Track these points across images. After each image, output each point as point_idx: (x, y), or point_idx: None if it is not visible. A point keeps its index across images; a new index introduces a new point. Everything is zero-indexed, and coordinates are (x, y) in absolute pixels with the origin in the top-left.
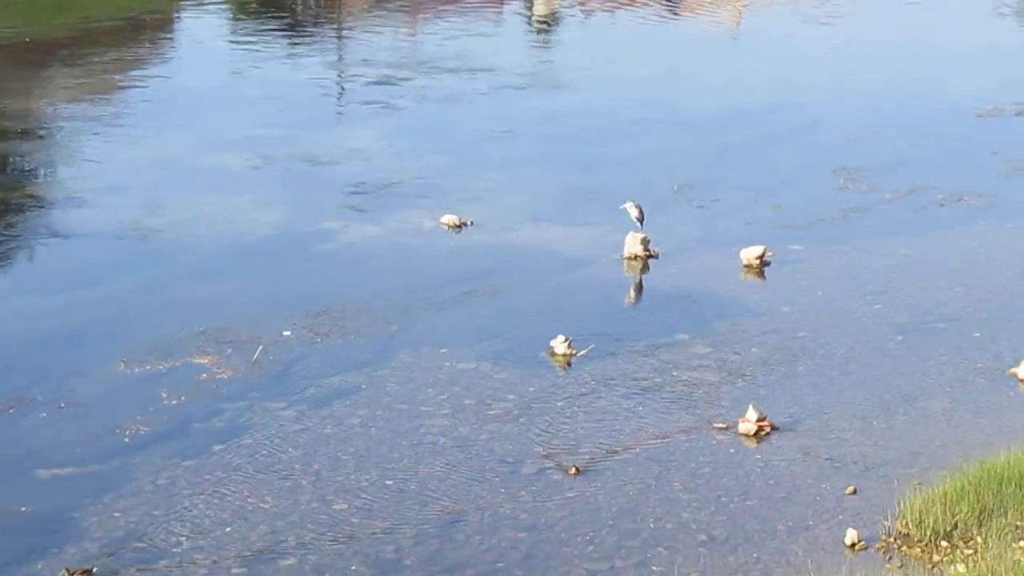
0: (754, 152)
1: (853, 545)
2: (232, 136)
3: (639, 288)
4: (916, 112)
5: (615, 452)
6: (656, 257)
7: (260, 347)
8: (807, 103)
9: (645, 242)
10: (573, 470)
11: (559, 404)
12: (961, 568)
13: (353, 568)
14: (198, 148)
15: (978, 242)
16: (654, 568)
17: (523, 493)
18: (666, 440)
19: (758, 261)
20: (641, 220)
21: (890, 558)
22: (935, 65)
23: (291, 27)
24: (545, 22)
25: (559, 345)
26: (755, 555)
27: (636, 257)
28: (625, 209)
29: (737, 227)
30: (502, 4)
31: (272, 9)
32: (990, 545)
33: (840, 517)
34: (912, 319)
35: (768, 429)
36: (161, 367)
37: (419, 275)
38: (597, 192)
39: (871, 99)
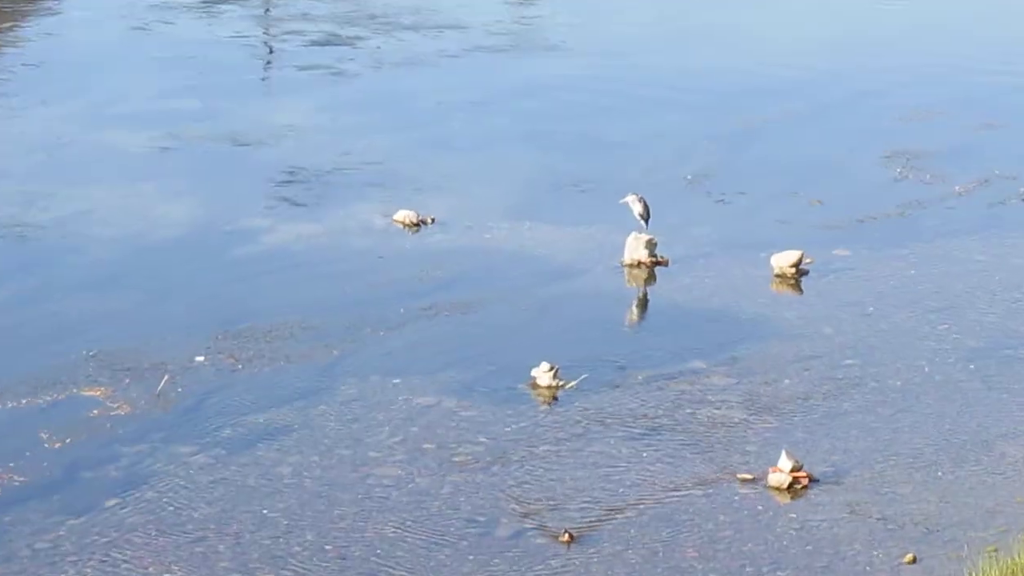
0: (788, 132)
1: None
2: (133, 108)
3: (643, 303)
4: (990, 86)
5: (614, 510)
6: (665, 264)
7: (166, 376)
8: (855, 71)
9: (651, 245)
10: (565, 536)
11: (542, 449)
12: None
13: None
14: (90, 123)
15: None
16: None
17: (497, 561)
18: (678, 495)
19: (793, 270)
20: (646, 218)
21: None
22: (1017, 32)
23: None
24: None
25: (543, 375)
26: None
27: (640, 264)
28: (626, 204)
29: (767, 227)
30: None
31: None
32: None
33: None
34: (987, 343)
35: (805, 481)
36: (41, 401)
37: (367, 286)
38: (591, 182)
39: (936, 69)
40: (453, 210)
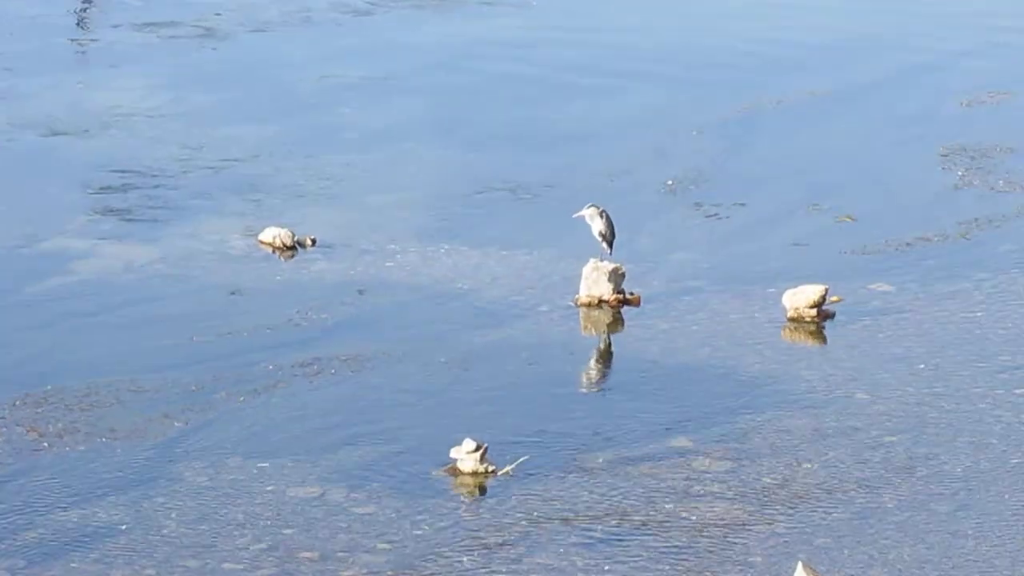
0: (809, 120)
1: None
2: None
3: (605, 357)
4: None
5: None
6: (635, 304)
7: None
8: (901, 37)
9: (616, 277)
10: None
11: (466, 560)
12: None
13: None
14: None
15: None
16: None
17: None
18: None
19: (814, 312)
20: (609, 239)
21: None
22: None
23: None
24: None
25: (466, 457)
26: None
27: (601, 303)
28: (582, 219)
29: (777, 252)
30: None
31: None
32: None
33: None
34: None
35: None
36: None
37: (223, 333)
38: (534, 189)
39: (1013, 35)
40: (342, 228)
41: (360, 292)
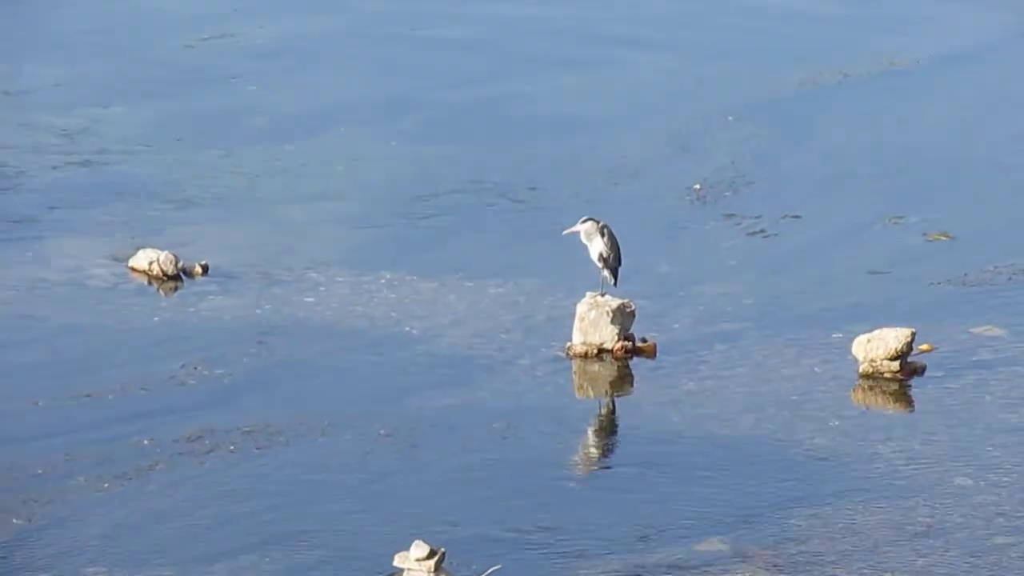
0: (885, 100)
1: None
2: None
3: (607, 428)
4: None
5: None
6: (649, 354)
7: None
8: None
9: (623, 317)
10: None
11: None
12: None
13: None
14: None
15: None
16: None
17: None
18: None
19: (897, 365)
20: (612, 263)
21: None
22: None
23: None
24: None
25: (415, 567)
26: None
27: (601, 353)
28: (577, 237)
29: (846, 282)
30: None
31: None
32: None
33: None
34: None
35: None
36: None
37: (79, 394)
38: (511, 193)
39: None
40: (245, 250)
41: (260, 342)
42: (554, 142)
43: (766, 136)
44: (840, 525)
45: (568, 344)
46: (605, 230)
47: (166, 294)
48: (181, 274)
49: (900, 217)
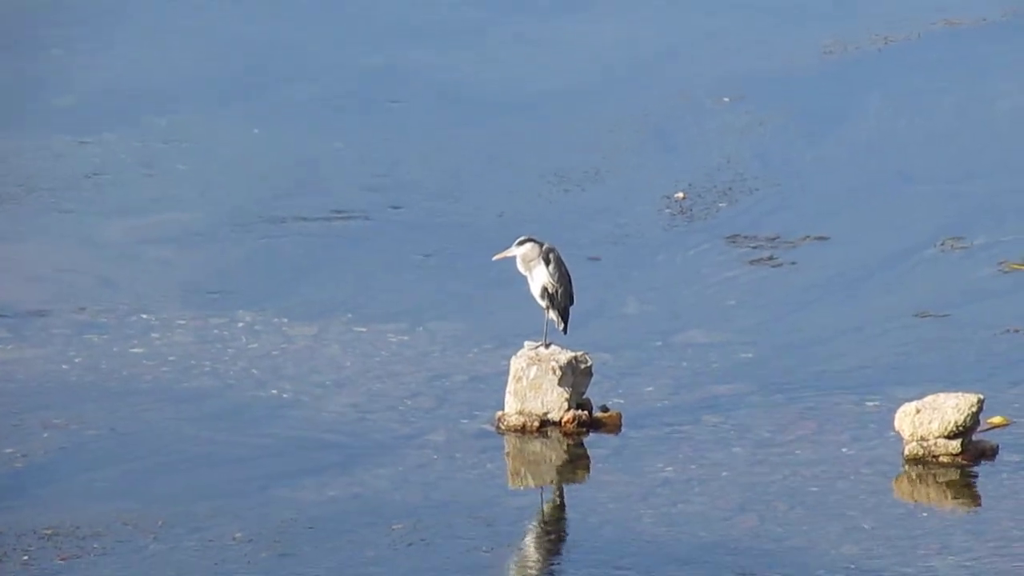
0: (938, 74)
1: None
2: None
3: (554, 533)
4: None
5: None
6: (613, 428)
7: None
8: None
9: (577, 376)
10: None
11: None
12: None
13: None
14: None
15: None
16: None
17: None
18: None
19: (958, 445)
20: (561, 302)
21: None
22: None
23: None
24: None
25: None
26: None
27: (544, 427)
28: (513, 264)
29: (886, 331)
30: None
31: None
32: None
33: None
34: None
35: None
36: None
37: None
38: (418, 201)
39: None
40: (47, 281)
41: (68, 410)
42: (479, 129)
43: (775, 124)
44: None
45: (499, 414)
46: (551, 255)
47: None
48: None
49: (962, 238)
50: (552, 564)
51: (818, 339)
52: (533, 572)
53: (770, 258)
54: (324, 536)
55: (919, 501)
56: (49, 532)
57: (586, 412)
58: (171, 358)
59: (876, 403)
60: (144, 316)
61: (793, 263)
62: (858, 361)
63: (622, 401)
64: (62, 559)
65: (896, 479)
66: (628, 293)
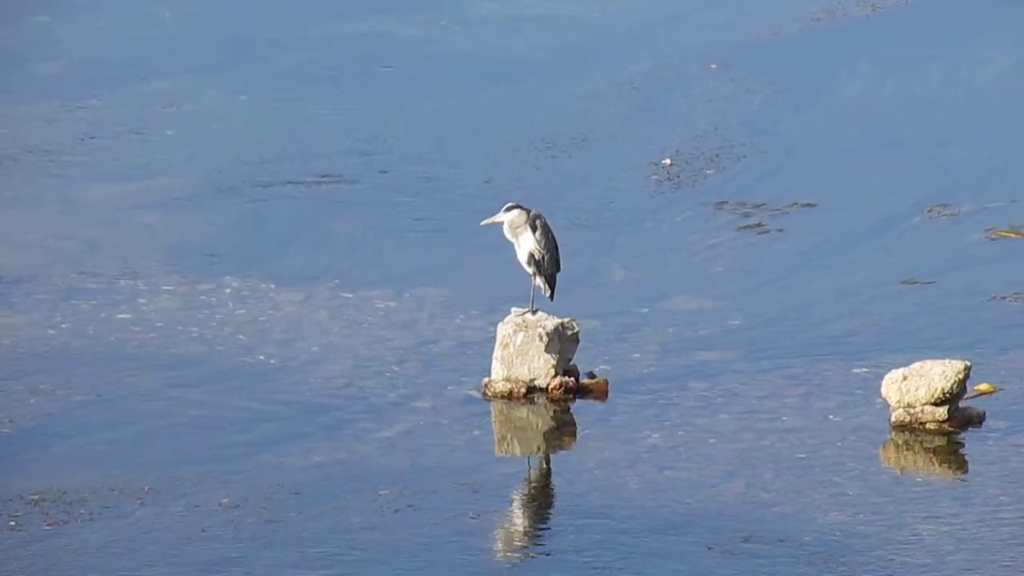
0: (929, 40)
1: None
2: None
3: (540, 499)
4: None
5: None
6: (599, 395)
7: None
8: None
9: (563, 343)
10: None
11: None
12: None
13: None
14: None
15: None
16: None
17: None
18: None
19: (944, 411)
20: (547, 268)
21: None
22: None
23: None
24: None
25: None
26: None
27: (531, 393)
28: (500, 230)
29: (873, 296)
30: None
31: None
32: None
33: None
34: None
35: None
36: None
37: None
38: (403, 166)
39: None
40: (34, 247)
41: (56, 375)
42: (467, 97)
43: (763, 92)
44: None
45: (485, 380)
46: (538, 221)
47: None
48: None
49: (949, 205)
50: (538, 530)
51: (805, 306)
52: (519, 538)
53: (757, 225)
54: (310, 502)
55: (906, 468)
56: (36, 498)
57: (573, 378)
58: (158, 324)
59: (863, 370)
60: (131, 282)
61: (780, 230)
62: (845, 328)
63: (609, 368)
64: (49, 524)
65: (883, 446)
66: (615, 260)
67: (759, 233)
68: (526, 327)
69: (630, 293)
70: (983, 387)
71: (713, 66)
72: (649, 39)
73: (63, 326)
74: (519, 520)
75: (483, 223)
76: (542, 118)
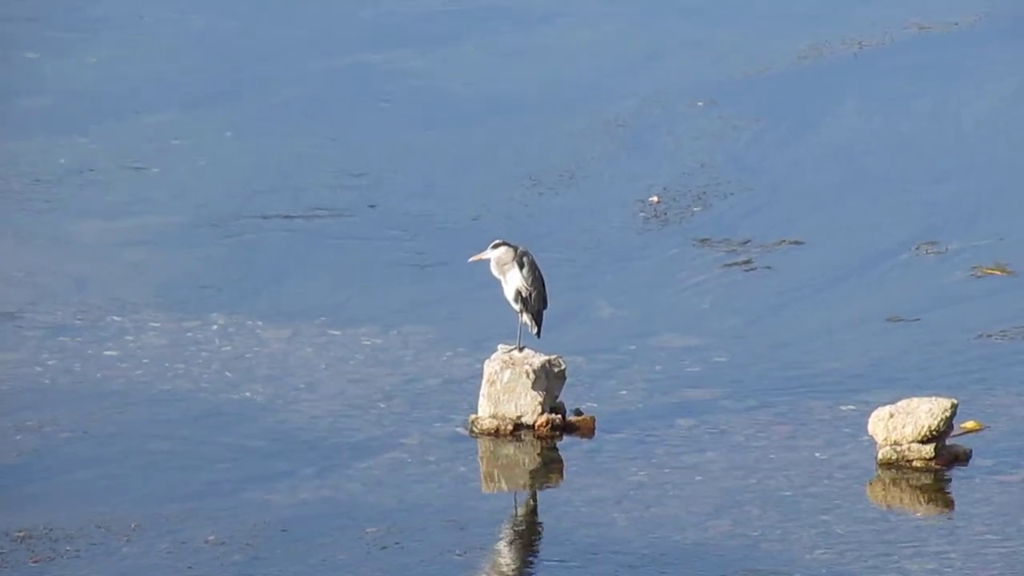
0: (917, 79)
1: None
2: None
3: (527, 537)
4: None
5: None
6: (586, 432)
7: None
8: None
9: (551, 380)
10: None
11: None
12: None
13: None
14: None
15: None
16: None
17: None
18: None
19: (931, 450)
20: (535, 305)
21: None
22: None
23: None
24: None
25: None
26: None
27: (518, 430)
28: (487, 265)
29: (861, 335)
30: None
31: None
32: None
33: None
34: None
35: None
36: None
37: None
38: (390, 206)
39: None
40: (19, 283)
41: (41, 413)
42: (455, 133)
43: (750, 128)
44: None
45: (472, 417)
46: (525, 258)
47: None
48: None
49: (936, 243)
50: (525, 568)
51: (792, 343)
52: (506, 575)
53: (744, 262)
54: (297, 539)
55: (892, 506)
56: (22, 535)
57: (560, 416)
58: (145, 360)
59: (850, 407)
60: (118, 318)
61: (767, 267)
62: (832, 365)
63: (596, 405)
64: (35, 562)
65: (870, 483)
66: (602, 296)
67: (746, 270)
68: (513, 364)
69: (617, 330)
70: (969, 425)
71: (700, 103)
72: (636, 76)
73: (49, 362)
74: (506, 557)
75: (470, 260)
76: (530, 155)
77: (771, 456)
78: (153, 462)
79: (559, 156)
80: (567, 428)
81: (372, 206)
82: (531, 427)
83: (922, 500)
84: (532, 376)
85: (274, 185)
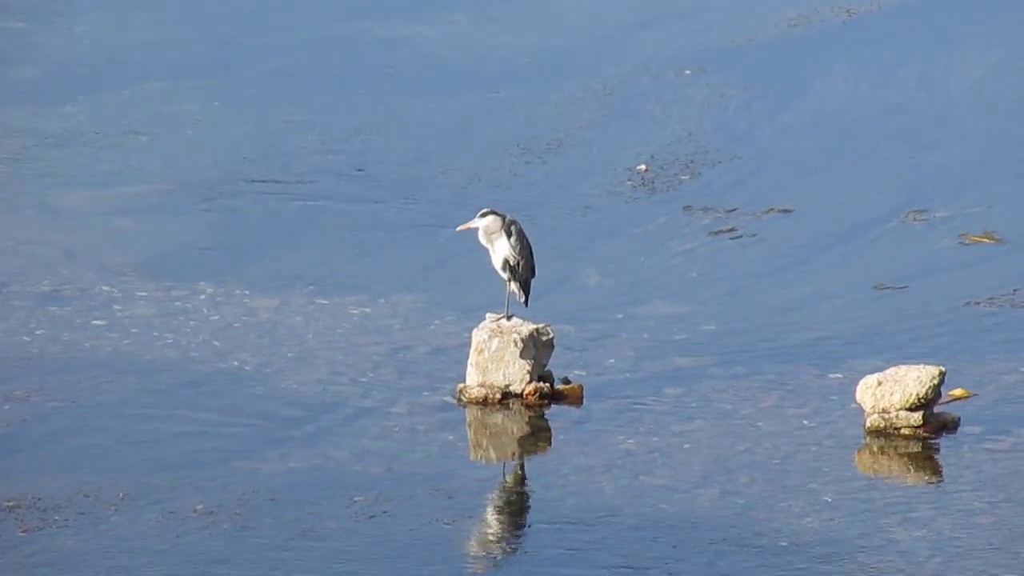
0: (907, 46)
1: None
2: None
3: (515, 505)
4: None
5: None
6: (574, 400)
7: None
8: None
9: (539, 349)
10: None
11: None
12: None
13: None
14: None
15: None
16: None
17: None
18: None
19: (920, 417)
20: (522, 273)
21: None
22: None
23: None
24: None
25: None
26: None
27: (506, 398)
28: (475, 233)
29: (849, 302)
30: None
31: None
32: None
33: None
34: None
35: None
36: None
37: None
38: (378, 171)
39: None
40: (7, 253)
41: (30, 382)
42: (443, 102)
43: (738, 96)
44: None
45: (460, 386)
46: (513, 227)
47: None
48: None
49: (925, 211)
50: (513, 536)
51: (780, 311)
52: (494, 544)
53: (732, 230)
54: (285, 508)
55: (880, 473)
56: (10, 504)
57: (548, 384)
58: (133, 330)
59: (838, 375)
60: (106, 288)
61: (755, 235)
62: (820, 333)
63: (584, 373)
64: (23, 531)
65: (858, 451)
66: (590, 265)
67: (733, 238)
68: (501, 333)
69: (605, 298)
70: (957, 392)
71: (688, 72)
72: (624, 45)
73: (38, 332)
74: (494, 526)
75: (458, 229)
76: (519, 122)
77: (759, 424)
78: (141, 431)
79: (548, 124)
80: (555, 397)
81: (360, 170)
82: (519, 396)
83: (910, 468)
84: (520, 345)
85: (263, 154)
